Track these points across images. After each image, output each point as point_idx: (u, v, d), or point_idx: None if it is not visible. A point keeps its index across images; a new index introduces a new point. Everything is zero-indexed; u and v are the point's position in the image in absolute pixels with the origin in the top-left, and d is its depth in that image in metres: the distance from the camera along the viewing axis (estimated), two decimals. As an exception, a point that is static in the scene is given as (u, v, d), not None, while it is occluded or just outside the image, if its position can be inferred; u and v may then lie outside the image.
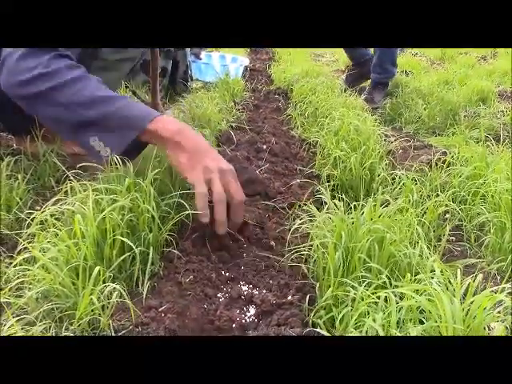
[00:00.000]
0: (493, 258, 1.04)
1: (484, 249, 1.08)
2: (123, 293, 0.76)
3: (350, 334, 0.70)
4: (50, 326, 0.69)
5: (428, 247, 0.92)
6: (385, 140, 1.63)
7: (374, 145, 1.47)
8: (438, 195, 1.20)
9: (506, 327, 0.79)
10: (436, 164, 1.42)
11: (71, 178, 0.97)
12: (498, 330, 0.62)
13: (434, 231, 1.10)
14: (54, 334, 0.67)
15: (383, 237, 0.86)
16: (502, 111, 2.42)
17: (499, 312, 0.70)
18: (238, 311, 0.89)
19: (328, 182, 1.39)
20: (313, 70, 2.90)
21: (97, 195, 0.93)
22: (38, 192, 1.28)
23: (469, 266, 1.02)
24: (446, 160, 1.43)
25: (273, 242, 1.10)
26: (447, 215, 1.22)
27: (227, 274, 0.99)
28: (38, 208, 1.04)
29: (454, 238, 1.18)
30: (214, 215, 0.99)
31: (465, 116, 2.25)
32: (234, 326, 0.85)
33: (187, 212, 0.98)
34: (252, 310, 0.89)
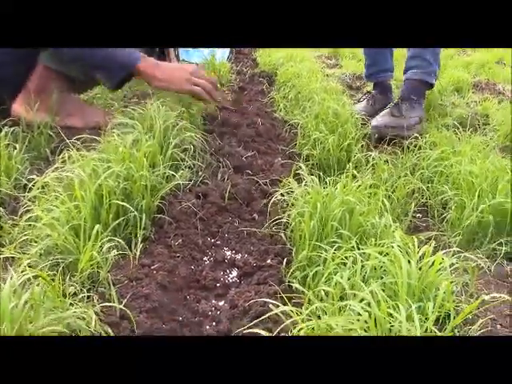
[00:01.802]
0: (452, 232, 1.15)
1: (445, 224, 1.20)
2: (125, 246, 0.85)
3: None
4: (54, 277, 0.77)
5: (394, 220, 1.03)
6: (362, 124, 1.73)
7: (351, 128, 1.56)
8: (406, 175, 1.31)
9: (455, 290, 0.91)
10: (408, 148, 1.53)
11: (71, 146, 1.04)
12: (443, 287, 0.73)
13: (401, 208, 1.21)
14: (59, 282, 0.75)
15: (354, 208, 0.96)
16: (475, 101, 2.53)
17: (450, 273, 0.81)
18: (221, 272, 0.99)
19: (307, 161, 1.49)
20: (297, 55, 2.98)
21: (94, 164, 1.01)
22: (33, 162, 1.34)
23: (430, 238, 1.13)
24: (417, 144, 1.53)
25: (255, 215, 1.20)
26: (415, 194, 1.33)
27: (212, 240, 1.09)
28: (36, 176, 1.11)
29: (420, 214, 1.29)
30: (212, 96, 1.60)
31: (440, 104, 2.36)
32: (217, 285, 0.95)
33: (177, 182, 1.07)
34: (234, 272, 0.99)
